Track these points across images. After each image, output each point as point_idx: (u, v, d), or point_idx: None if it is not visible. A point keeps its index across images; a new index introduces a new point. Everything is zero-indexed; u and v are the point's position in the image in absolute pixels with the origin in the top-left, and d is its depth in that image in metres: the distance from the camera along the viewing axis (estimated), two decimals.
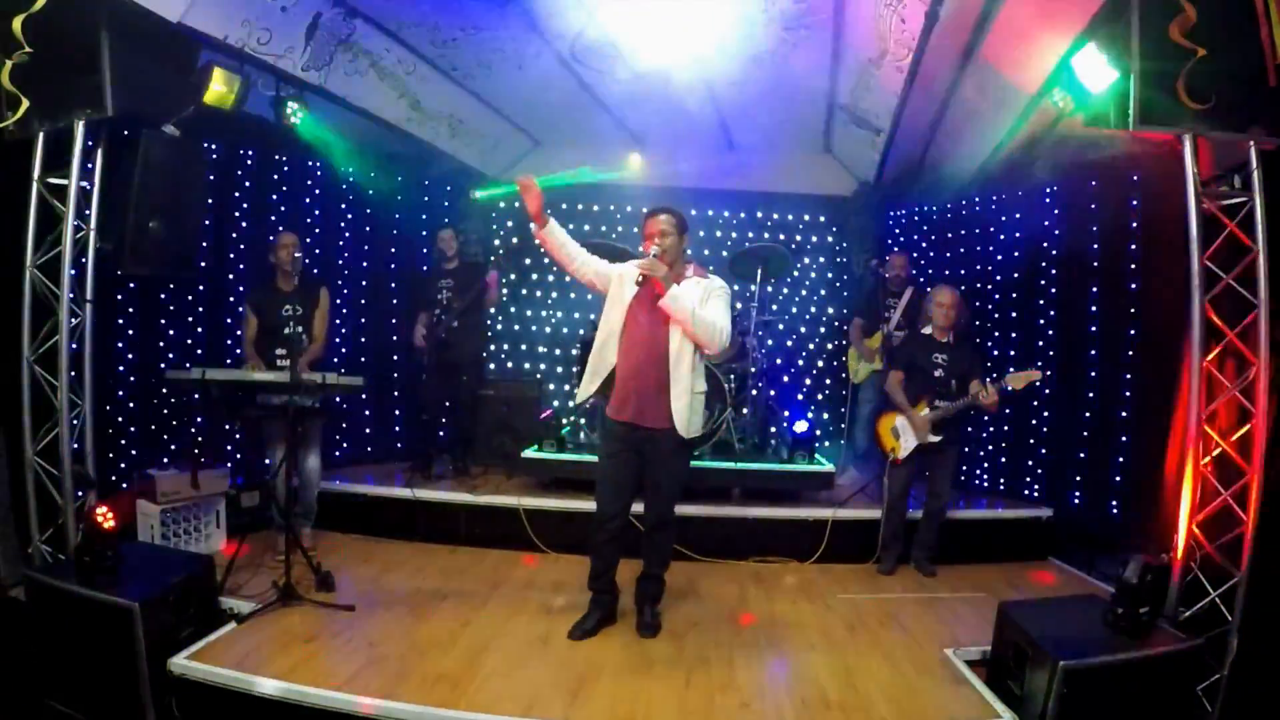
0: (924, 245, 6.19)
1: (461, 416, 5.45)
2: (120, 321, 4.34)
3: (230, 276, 4.89)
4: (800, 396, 6.56)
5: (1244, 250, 2.99)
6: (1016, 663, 2.82)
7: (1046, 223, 5.14)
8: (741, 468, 4.79)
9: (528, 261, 6.70)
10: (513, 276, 6.54)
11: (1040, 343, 5.21)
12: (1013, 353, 5.40)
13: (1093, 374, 4.84)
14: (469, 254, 5.71)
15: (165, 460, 4.36)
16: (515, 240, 6.60)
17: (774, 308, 6.39)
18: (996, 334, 5.52)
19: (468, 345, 5.26)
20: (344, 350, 5.61)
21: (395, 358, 5.98)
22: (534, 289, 6.74)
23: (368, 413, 5.89)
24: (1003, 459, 5.47)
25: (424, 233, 6.30)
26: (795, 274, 6.41)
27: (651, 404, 3.15)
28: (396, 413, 6.11)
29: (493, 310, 5.55)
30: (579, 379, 5.90)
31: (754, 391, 5.27)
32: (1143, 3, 2.88)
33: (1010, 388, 4.00)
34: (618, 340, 3.22)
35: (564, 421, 5.42)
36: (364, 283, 5.87)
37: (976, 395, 4.04)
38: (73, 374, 3.37)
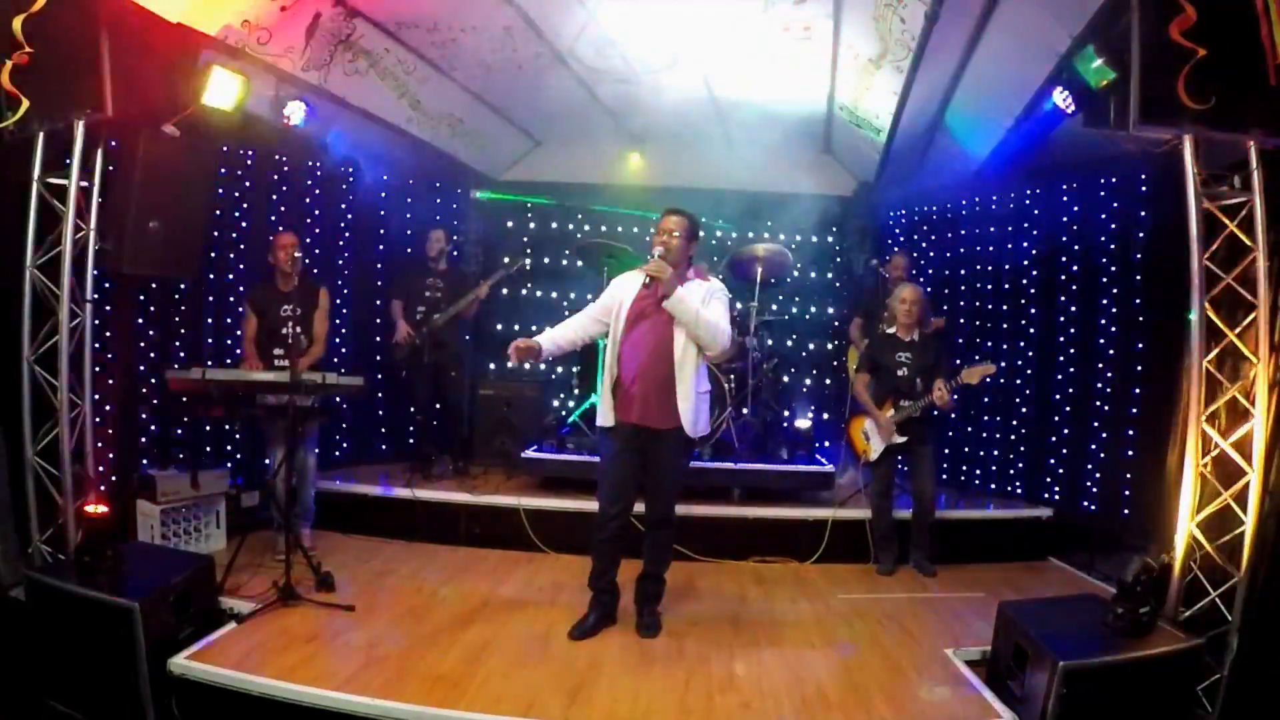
0: (924, 245, 6.19)
1: (458, 415, 5.43)
2: (120, 321, 4.32)
3: (230, 276, 4.89)
4: (800, 396, 6.56)
5: (1244, 250, 2.99)
6: (1016, 663, 2.82)
7: (1048, 223, 5.13)
8: (741, 468, 4.79)
9: (527, 265, 6.71)
10: (505, 292, 6.53)
11: (1041, 342, 5.20)
12: (1010, 350, 5.40)
13: (1094, 374, 4.84)
14: (466, 256, 5.68)
15: (165, 460, 4.36)
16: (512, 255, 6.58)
17: (774, 308, 6.39)
18: (997, 334, 5.51)
19: (453, 346, 5.27)
20: (344, 350, 5.61)
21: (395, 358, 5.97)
22: (534, 290, 6.75)
23: (368, 413, 5.89)
24: (1003, 459, 5.47)
25: (424, 233, 6.29)
26: (795, 274, 6.40)
27: (658, 405, 3.16)
28: (396, 413, 6.11)
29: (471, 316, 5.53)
30: (579, 380, 5.95)
31: (754, 392, 5.27)
32: (1143, 3, 2.88)
33: (965, 383, 4.01)
34: (621, 348, 3.24)
35: (565, 421, 5.43)
36: (364, 283, 5.86)
37: (932, 396, 4.05)
38: (72, 374, 3.37)
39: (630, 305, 3.25)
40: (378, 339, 5.92)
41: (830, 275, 6.63)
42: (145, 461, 4.30)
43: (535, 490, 4.78)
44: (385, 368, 5.94)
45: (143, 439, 4.40)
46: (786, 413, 5.75)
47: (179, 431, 4.59)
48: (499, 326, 6.59)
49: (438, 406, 5.54)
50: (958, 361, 4.49)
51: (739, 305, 5.16)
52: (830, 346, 6.56)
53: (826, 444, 5.80)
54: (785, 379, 6.47)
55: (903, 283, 4.48)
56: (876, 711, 2.74)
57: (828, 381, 6.60)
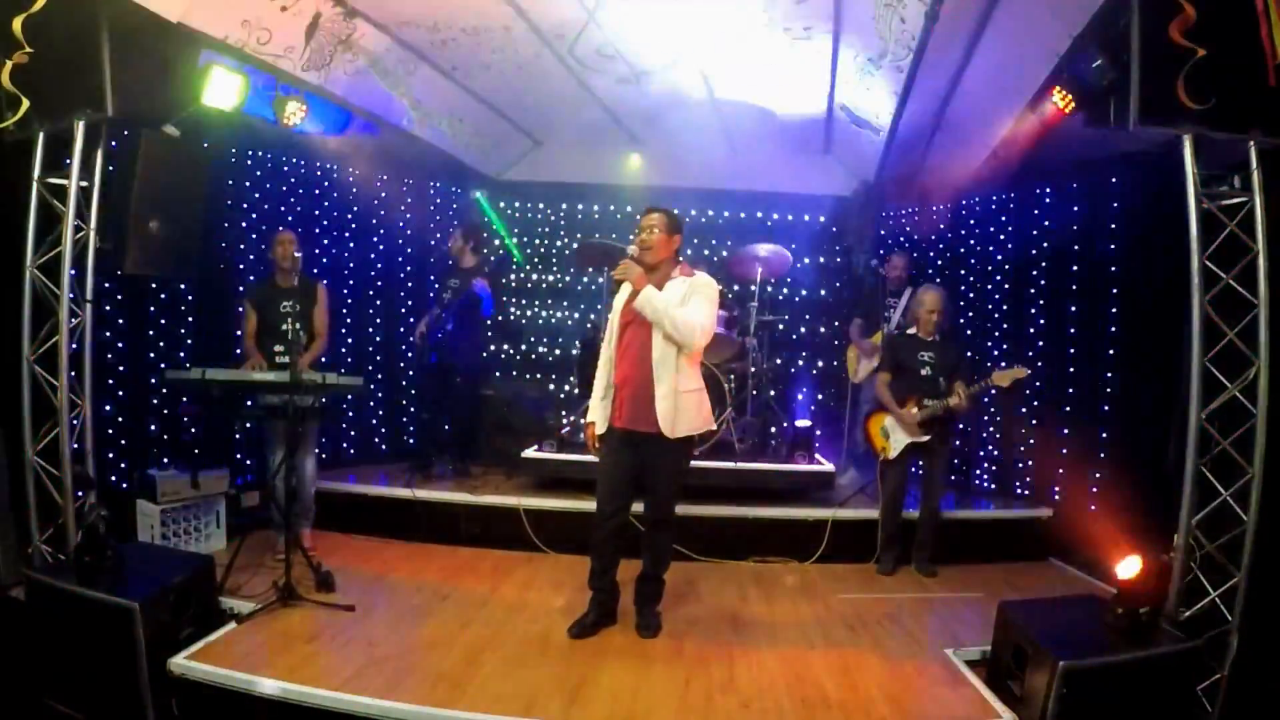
0: (924, 245, 6.19)
1: (460, 418, 5.44)
2: (120, 321, 4.33)
3: (230, 276, 4.88)
4: (800, 396, 6.56)
5: (1244, 250, 2.98)
6: (1016, 663, 2.82)
7: (1048, 223, 5.13)
8: (741, 468, 4.79)
9: (527, 268, 6.73)
10: (505, 281, 6.52)
11: (1042, 342, 5.20)
12: (1011, 351, 5.40)
13: (1094, 373, 4.83)
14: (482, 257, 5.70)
15: (165, 460, 4.36)
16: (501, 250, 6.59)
17: (774, 308, 6.39)
18: (997, 334, 5.51)
19: (463, 348, 5.24)
20: (344, 350, 5.61)
21: (396, 358, 5.97)
22: (534, 290, 6.74)
23: (368, 413, 5.89)
24: (1003, 459, 5.47)
25: (424, 233, 6.29)
26: (795, 274, 6.41)
27: (642, 408, 3.15)
28: (396, 413, 6.11)
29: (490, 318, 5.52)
30: (579, 380, 5.94)
31: (754, 391, 5.27)
32: (1143, 3, 2.88)
33: (996, 385, 4.00)
34: (615, 353, 3.26)
35: (564, 420, 5.43)
36: (364, 283, 5.86)
37: (949, 400, 4.06)
38: (73, 374, 3.37)
39: (621, 311, 3.28)
40: (378, 339, 5.93)
41: (830, 275, 6.63)
42: (145, 461, 4.30)
43: (535, 490, 4.78)
44: (386, 368, 5.95)
45: (142, 439, 4.39)
46: (786, 413, 5.75)
47: (179, 433, 4.59)
48: (500, 318, 6.60)
49: (444, 405, 5.54)
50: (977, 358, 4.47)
51: (734, 311, 5.15)
52: (830, 346, 6.55)
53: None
54: (785, 379, 6.48)
55: (925, 286, 4.48)
56: (876, 711, 2.74)
57: (828, 381, 6.59)
